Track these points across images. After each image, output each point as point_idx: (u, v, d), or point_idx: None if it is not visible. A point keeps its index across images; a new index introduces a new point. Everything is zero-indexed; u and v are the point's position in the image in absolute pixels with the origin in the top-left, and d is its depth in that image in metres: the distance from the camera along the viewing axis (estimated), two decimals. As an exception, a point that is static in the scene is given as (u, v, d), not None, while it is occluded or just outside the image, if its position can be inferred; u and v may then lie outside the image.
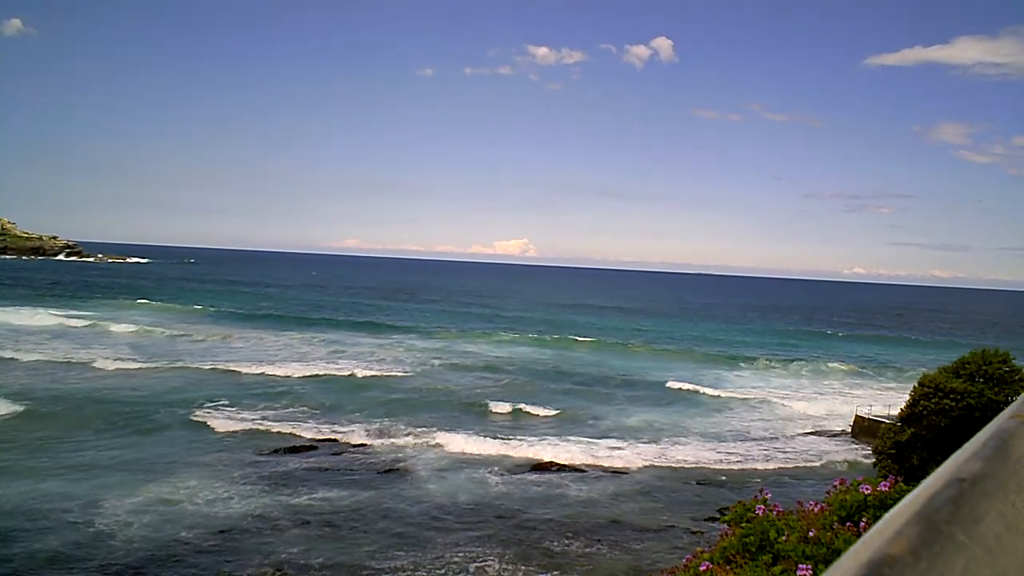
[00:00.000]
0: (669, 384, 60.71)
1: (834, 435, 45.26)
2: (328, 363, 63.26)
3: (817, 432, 45.92)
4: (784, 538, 6.98)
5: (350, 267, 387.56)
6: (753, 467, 37.53)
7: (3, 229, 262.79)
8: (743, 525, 7.42)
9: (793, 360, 78.98)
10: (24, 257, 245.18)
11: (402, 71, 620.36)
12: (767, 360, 76.71)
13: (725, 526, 7.74)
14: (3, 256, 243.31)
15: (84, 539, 24.63)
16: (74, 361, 57.46)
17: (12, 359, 56.58)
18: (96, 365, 56.41)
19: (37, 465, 32.22)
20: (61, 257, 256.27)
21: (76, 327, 78.42)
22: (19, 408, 41.60)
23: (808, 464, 38.45)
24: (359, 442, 38.51)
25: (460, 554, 24.68)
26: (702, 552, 7.65)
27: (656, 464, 36.94)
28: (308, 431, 40.29)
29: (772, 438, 43.86)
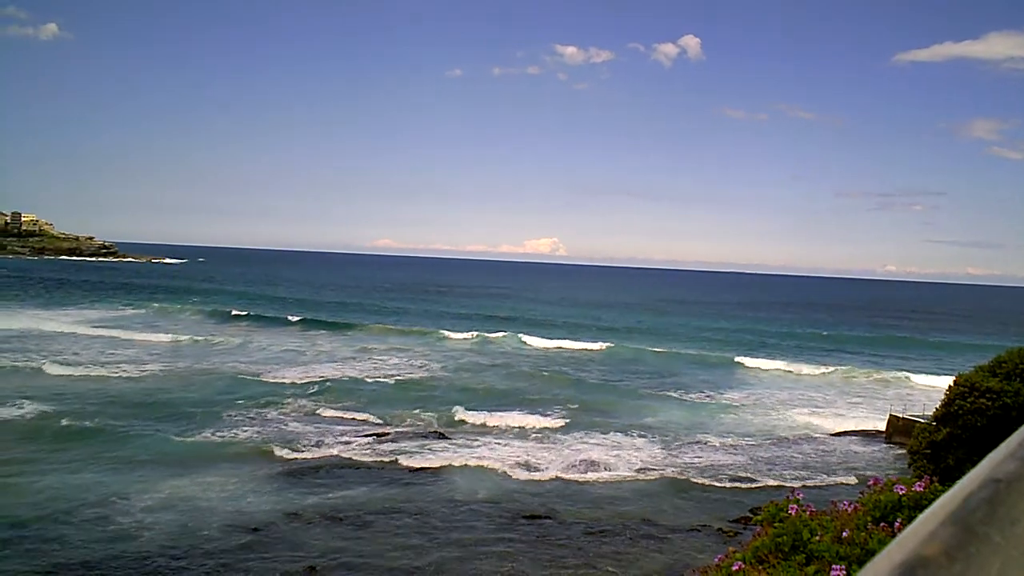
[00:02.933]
0: (701, 382, 60.38)
1: (868, 435, 44.75)
2: (359, 362, 63.72)
3: (850, 432, 45.41)
4: (817, 538, 6.95)
5: (385, 267, 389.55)
6: (785, 467, 37.21)
7: (41, 230, 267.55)
8: (776, 525, 7.38)
9: (826, 359, 78.20)
10: (62, 257, 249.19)
11: (431, 72, 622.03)
12: (801, 360, 75.95)
13: (757, 526, 7.70)
14: (42, 256, 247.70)
15: (116, 533, 25.07)
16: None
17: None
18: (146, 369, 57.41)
19: (85, 458, 32.86)
20: (96, 258, 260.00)
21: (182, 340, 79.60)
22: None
23: (841, 464, 38.06)
24: (391, 441, 38.74)
25: (492, 554, 24.75)
26: (734, 552, 7.63)
27: (687, 463, 36.76)
28: (341, 431, 40.63)
29: (804, 438, 43.44)
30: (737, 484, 33.69)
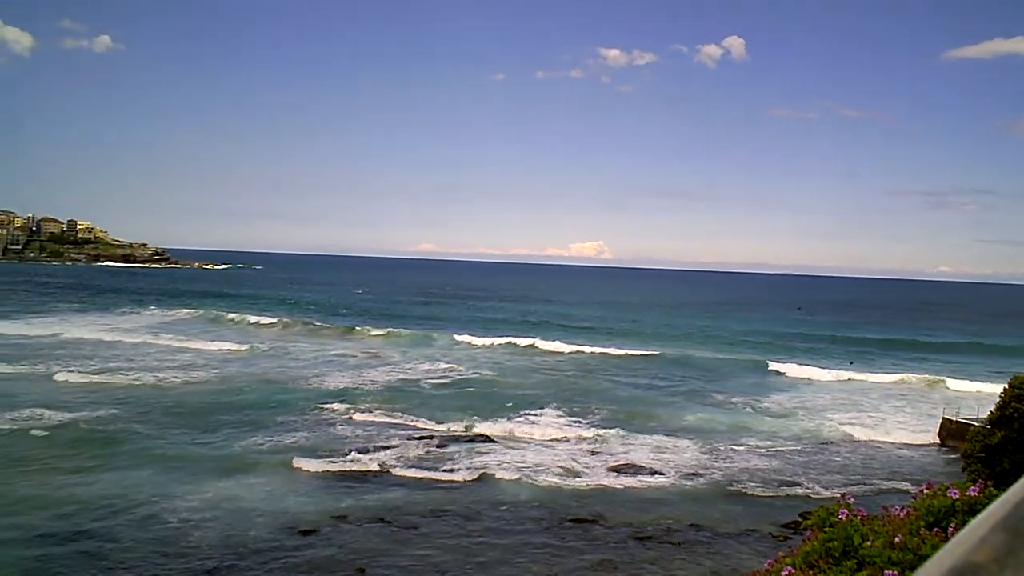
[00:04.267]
0: (743, 387, 59.74)
1: (920, 438, 43.85)
2: (405, 367, 64.22)
3: (902, 434, 44.56)
4: (869, 543, 6.90)
5: (428, 271, 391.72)
6: (833, 471, 36.65)
7: (96, 237, 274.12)
8: (826, 530, 7.34)
9: (874, 363, 76.86)
10: (118, 264, 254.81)
11: (475, 76, 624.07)
12: (847, 363, 74.68)
13: (807, 531, 7.67)
14: (96, 263, 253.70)
15: (167, 532, 25.65)
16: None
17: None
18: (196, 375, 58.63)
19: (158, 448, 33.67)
20: (149, 264, 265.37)
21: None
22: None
23: (890, 469, 37.37)
24: (438, 445, 38.97)
25: (539, 557, 24.79)
26: (784, 557, 7.60)
27: (733, 467, 36.40)
28: (388, 434, 41.01)
29: (851, 442, 42.72)
30: (785, 489, 33.27)
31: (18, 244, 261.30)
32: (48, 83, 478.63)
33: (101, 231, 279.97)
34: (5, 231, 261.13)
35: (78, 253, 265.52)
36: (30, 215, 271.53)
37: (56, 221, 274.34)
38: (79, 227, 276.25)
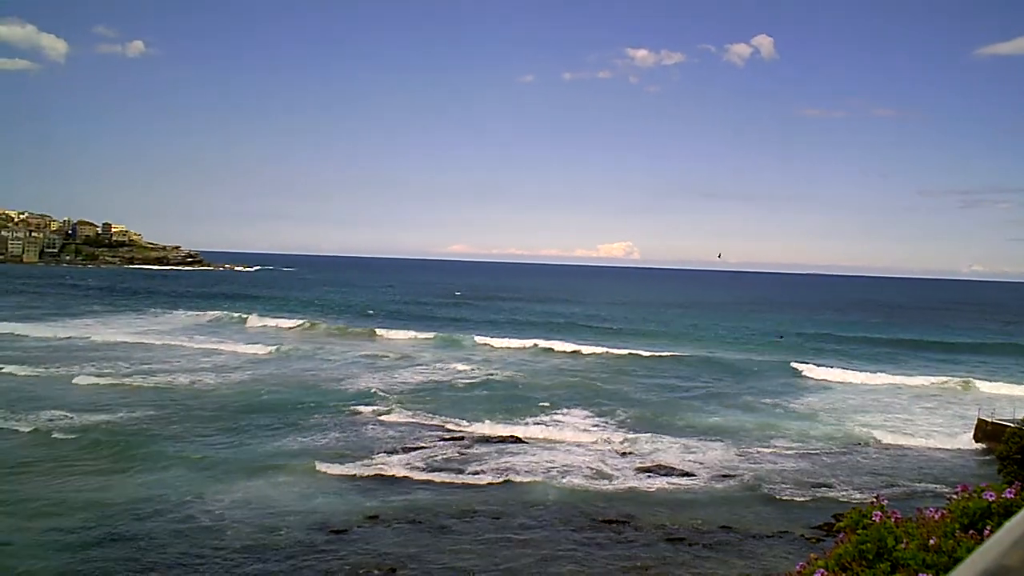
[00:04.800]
0: (771, 388, 59.28)
1: (953, 440, 43.21)
2: (435, 368, 64.48)
3: (935, 436, 43.93)
4: (903, 546, 6.83)
5: (459, 272, 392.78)
6: (864, 473, 36.25)
7: (130, 240, 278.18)
8: (859, 532, 7.27)
9: (905, 364, 75.92)
10: (151, 266, 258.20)
11: (504, 78, 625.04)
12: (877, 365, 73.74)
13: (840, 533, 7.62)
14: (130, 266, 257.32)
15: (202, 531, 25.99)
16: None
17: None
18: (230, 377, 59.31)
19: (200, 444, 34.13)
20: (182, 266, 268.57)
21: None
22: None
23: (923, 471, 36.88)
24: (468, 446, 39.11)
25: (570, 558, 24.79)
26: (816, 559, 7.54)
27: (764, 469, 36.12)
28: (419, 435, 41.22)
29: (882, 444, 42.18)
30: (816, 491, 32.95)
31: (54, 247, 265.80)
32: (83, 88, 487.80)
33: (135, 234, 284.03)
34: (41, 235, 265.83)
35: (112, 256, 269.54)
36: (66, 219, 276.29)
37: (91, 224, 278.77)
38: (113, 230, 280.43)
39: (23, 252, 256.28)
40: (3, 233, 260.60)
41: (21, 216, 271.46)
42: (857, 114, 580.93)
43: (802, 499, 31.74)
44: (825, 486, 33.65)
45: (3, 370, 55.41)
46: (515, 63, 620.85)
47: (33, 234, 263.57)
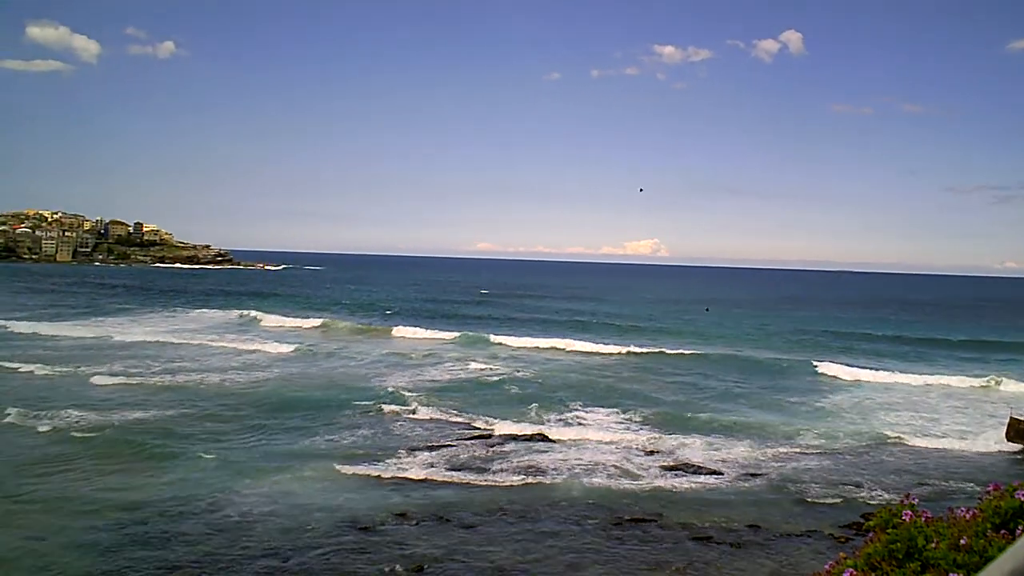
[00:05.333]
0: (797, 386, 58.82)
1: (983, 439, 42.59)
2: (462, 366, 64.67)
3: (964, 435, 43.35)
4: (933, 545, 6.79)
5: (485, 270, 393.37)
6: (894, 472, 35.84)
7: (161, 239, 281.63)
8: (889, 531, 7.23)
9: (941, 360, 74.97)
10: (182, 265, 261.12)
11: (530, 76, 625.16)
12: (906, 363, 72.91)
13: (869, 532, 7.58)
14: (161, 265, 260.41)
15: (225, 525, 26.29)
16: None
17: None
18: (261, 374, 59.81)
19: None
20: (213, 265, 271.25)
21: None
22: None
23: (956, 470, 36.40)
24: (495, 444, 39.21)
25: (598, 556, 24.79)
26: (846, 558, 7.51)
27: (791, 468, 35.85)
28: (446, 433, 41.40)
29: (911, 444, 41.66)
30: (844, 490, 32.65)
31: (87, 247, 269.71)
32: (115, 89, 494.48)
33: (166, 233, 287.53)
34: (75, 234, 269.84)
35: (144, 255, 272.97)
36: (98, 218, 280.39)
37: (123, 224, 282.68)
38: (145, 229, 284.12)
39: (56, 252, 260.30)
40: (37, 233, 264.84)
41: (55, 216, 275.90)
42: (886, 110, 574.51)
43: (830, 498, 31.47)
44: (853, 485, 33.34)
45: (20, 369, 55.72)
46: (542, 61, 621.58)
47: (66, 234, 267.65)
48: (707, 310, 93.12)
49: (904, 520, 7.09)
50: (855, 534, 26.01)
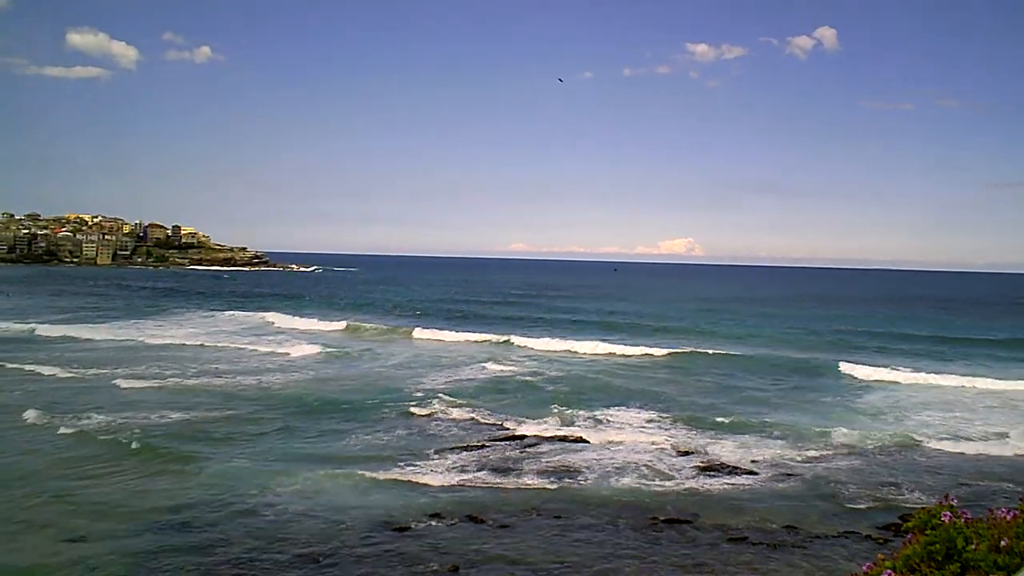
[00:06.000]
0: (829, 386, 58.21)
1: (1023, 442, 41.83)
2: (496, 366, 64.80)
3: (1007, 437, 42.56)
4: (973, 547, 6.75)
5: (519, 270, 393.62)
6: (934, 473, 35.30)
7: (199, 242, 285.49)
8: (928, 532, 7.20)
9: (979, 360, 73.68)
10: (218, 268, 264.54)
11: (563, 75, 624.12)
12: (941, 363, 71.63)
13: (908, 533, 7.54)
14: (198, 267, 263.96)
15: (261, 526, 26.54)
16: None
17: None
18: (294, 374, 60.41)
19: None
20: (249, 267, 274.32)
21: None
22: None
23: (994, 471, 35.75)
24: (530, 444, 39.24)
25: (633, 557, 24.73)
26: (884, 560, 7.48)
27: (827, 468, 35.43)
28: (481, 433, 41.54)
29: (953, 443, 40.98)
30: (881, 491, 32.22)
31: (127, 250, 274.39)
32: (152, 94, 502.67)
33: (203, 235, 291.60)
34: (114, 237, 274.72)
35: (182, 257, 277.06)
36: (137, 221, 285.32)
37: (161, 227, 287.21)
38: (183, 232, 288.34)
39: (97, 255, 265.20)
40: (78, 237, 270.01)
41: (95, 220, 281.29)
42: (924, 106, 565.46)
43: (866, 499, 31.09)
44: (889, 486, 32.90)
45: (44, 374, 55.74)
46: (574, 60, 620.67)
47: (106, 237, 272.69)
48: (615, 270, 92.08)
49: (943, 521, 7.05)
50: (893, 535, 25.69)
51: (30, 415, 41.78)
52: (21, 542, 25.05)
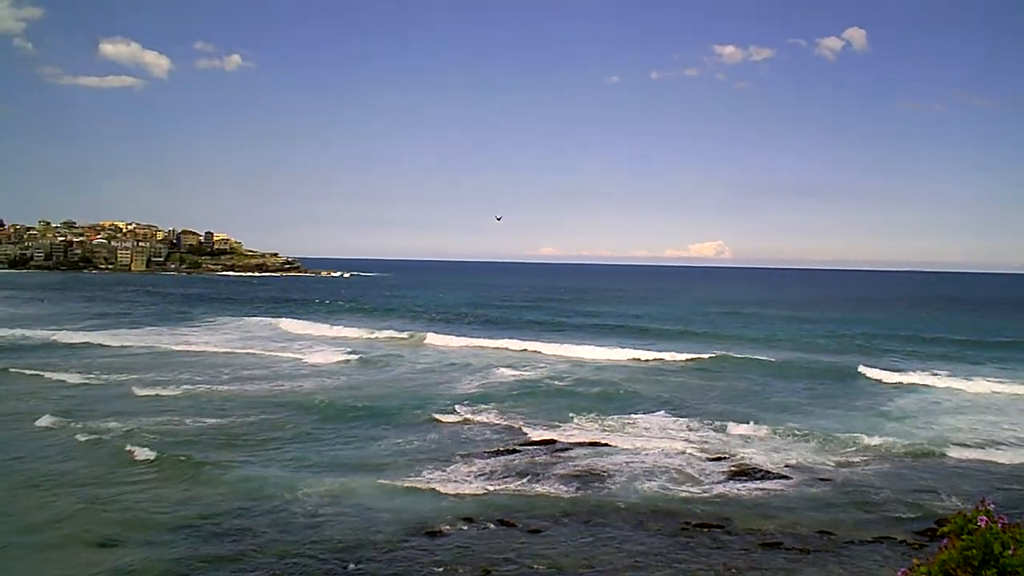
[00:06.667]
0: (861, 390, 57.60)
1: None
2: (527, 371, 64.86)
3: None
4: (1010, 552, 6.71)
5: (549, 275, 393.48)
6: (969, 477, 34.79)
7: (231, 248, 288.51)
8: (964, 537, 7.15)
9: (1016, 361, 72.45)
10: (250, 274, 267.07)
11: (590, 79, 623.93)
12: (977, 368, 70.40)
13: (943, 538, 7.50)
14: (231, 273, 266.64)
15: (292, 530, 26.73)
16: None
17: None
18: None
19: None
20: (281, 273, 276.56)
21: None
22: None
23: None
24: (559, 449, 39.22)
25: (665, 561, 24.64)
26: (919, 565, 7.44)
27: (860, 472, 35.08)
28: (510, 438, 41.59)
29: (990, 448, 40.37)
30: (916, 495, 31.81)
31: (160, 256, 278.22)
32: (184, 102, 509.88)
33: (236, 242, 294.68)
34: (148, 244, 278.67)
35: (215, 264, 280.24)
36: (171, 228, 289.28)
37: (194, 233, 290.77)
38: (215, 239, 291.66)
39: (131, 261, 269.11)
40: (113, 244, 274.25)
41: (129, 227, 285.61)
42: (957, 106, 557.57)
43: (900, 504, 30.73)
44: (924, 491, 32.48)
45: (68, 382, 55.92)
46: (601, 64, 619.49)
47: (140, 244, 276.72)
48: (498, 219, 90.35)
49: (979, 526, 6.99)
50: (928, 540, 25.38)
51: (44, 420, 42.07)
52: (55, 550, 25.32)
